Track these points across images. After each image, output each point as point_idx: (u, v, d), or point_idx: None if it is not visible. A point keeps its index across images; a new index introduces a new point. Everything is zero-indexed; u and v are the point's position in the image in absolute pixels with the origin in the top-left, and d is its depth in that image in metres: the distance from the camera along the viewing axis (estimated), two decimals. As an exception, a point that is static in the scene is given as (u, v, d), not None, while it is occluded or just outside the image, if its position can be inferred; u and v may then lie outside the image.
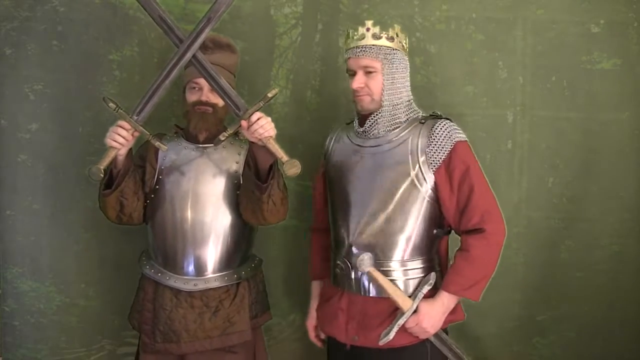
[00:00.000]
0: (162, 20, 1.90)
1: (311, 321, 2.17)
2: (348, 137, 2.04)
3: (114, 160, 1.89)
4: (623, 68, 2.49)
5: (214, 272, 2.05)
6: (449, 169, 1.86)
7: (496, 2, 2.49)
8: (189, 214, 2.03)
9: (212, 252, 2.05)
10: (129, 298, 2.18)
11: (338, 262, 1.99)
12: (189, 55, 1.89)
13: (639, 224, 2.53)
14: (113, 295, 2.48)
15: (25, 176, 2.47)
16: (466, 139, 1.91)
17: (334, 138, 2.10)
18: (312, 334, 2.18)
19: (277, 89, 1.86)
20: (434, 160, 1.86)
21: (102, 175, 1.83)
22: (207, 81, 1.93)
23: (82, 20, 2.44)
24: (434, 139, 1.87)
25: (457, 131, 1.90)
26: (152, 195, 2.06)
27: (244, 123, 1.86)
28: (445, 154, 1.86)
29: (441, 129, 1.88)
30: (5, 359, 2.52)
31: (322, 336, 2.16)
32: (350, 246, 1.94)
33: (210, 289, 2.04)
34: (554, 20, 2.49)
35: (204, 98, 2.01)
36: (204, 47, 1.95)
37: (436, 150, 1.86)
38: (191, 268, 2.04)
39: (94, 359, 2.53)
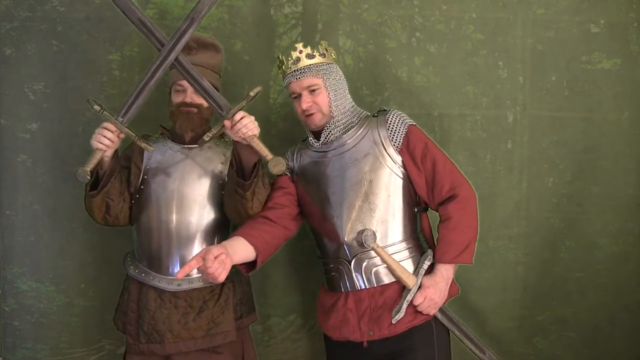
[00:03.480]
0: (141, 23, 1.91)
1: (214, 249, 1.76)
2: (309, 149, 2.08)
3: (100, 162, 1.90)
4: (623, 68, 2.50)
5: (198, 273, 2.04)
6: (410, 149, 1.99)
7: (496, 2, 2.49)
8: (174, 214, 2.04)
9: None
10: (129, 298, 2.18)
11: (333, 266, 2.01)
12: (172, 57, 1.90)
13: (639, 224, 2.53)
14: (113, 295, 2.46)
15: (25, 176, 2.47)
16: (415, 124, 2.05)
17: (295, 155, 2.13)
18: (210, 257, 1.71)
19: (260, 87, 1.88)
20: (395, 143, 1.99)
21: (89, 177, 1.85)
22: (190, 83, 1.95)
23: (82, 20, 2.44)
24: (391, 125, 2.01)
25: (407, 118, 2.05)
26: (137, 196, 2.06)
27: (227, 123, 1.88)
28: (403, 136, 1.99)
29: (394, 116, 2.03)
30: (5, 359, 2.52)
31: (211, 264, 1.70)
32: (342, 245, 1.97)
33: (195, 289, 2.04)
34: (554, 20, 2.50)
35: (188, 99, 2.03)
36: (187, 48, 1.96)
37: (395, 133, 2.00)
38: (177, 269, 2.04)
39: (94, 359, 2.53)
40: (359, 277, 1.96)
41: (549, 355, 2.56)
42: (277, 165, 1.88)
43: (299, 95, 2.01)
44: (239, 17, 2.47)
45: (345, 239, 1.96)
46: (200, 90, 1.93)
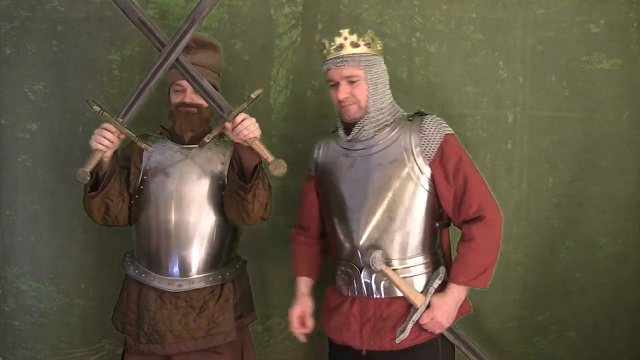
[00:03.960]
0: (141, 23, 1.89)
1: (297, 310, 2.08)
2: (336, 144, 2.03)
3: (100, 163, 1.89)
4: (623, 68, 2.50)
5: (198, 273, 2.05)
6: (443, 161, 1.89)
7: (496, 2, 2.49)
8: (173, 214, 2.03)
9: (197, 253, 2.05)
10: (129, 298, 2.18)
11: (343, 268, 1.98)
12: (172, 57, 1.89)
13: (639, 224, 2.53)
14: (113, 295, 2.46)
15: (25, 176, 2.47)
16: (453, 132, 1.95)
17: (322, 147, 2.08)
18: (295, 323, 2.09)
19: (261, 89, 1.84)
20: (427, 153, 1.89)
21: (88, 178, 1.83)
22: (190, 84, 1.93)
23: (82, 20, 2.45)
24: (425, 133, 1.91)
25: (445, 125, 1.94)
26: (137, 196, 2.06)
27: (228, 125, 1.86)
28: (437, 146, 1.89)
29: (430, 122, 1.92)
30: (5, 359, 2.52)
31: (307, 330, 2.09)
32: (356, 250, 1.92)
33: (195, 289, 2.04)
34: (554, 20, 2.50)
35: (187, 99, 2.01)
36: (186, 47, 1.95)
37: (428, 143, 1.90)
38: (176, 269, 2.03)
39: (94, 359, 2.53)
40: (369, 285, 1.91)
41: (549, 355, 2.56)
42: (278, 168, 1.85)
43: (337, 84, 1.91)
44: (239, 17, 2.47)
45: (360, 244, 1.91)
46: (202, 91, 1.92)
